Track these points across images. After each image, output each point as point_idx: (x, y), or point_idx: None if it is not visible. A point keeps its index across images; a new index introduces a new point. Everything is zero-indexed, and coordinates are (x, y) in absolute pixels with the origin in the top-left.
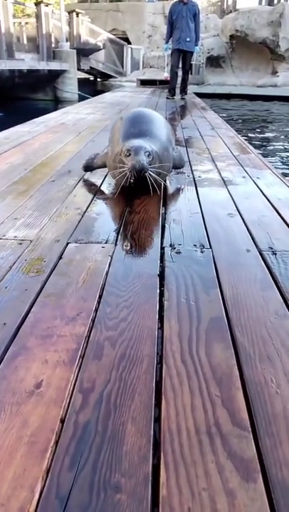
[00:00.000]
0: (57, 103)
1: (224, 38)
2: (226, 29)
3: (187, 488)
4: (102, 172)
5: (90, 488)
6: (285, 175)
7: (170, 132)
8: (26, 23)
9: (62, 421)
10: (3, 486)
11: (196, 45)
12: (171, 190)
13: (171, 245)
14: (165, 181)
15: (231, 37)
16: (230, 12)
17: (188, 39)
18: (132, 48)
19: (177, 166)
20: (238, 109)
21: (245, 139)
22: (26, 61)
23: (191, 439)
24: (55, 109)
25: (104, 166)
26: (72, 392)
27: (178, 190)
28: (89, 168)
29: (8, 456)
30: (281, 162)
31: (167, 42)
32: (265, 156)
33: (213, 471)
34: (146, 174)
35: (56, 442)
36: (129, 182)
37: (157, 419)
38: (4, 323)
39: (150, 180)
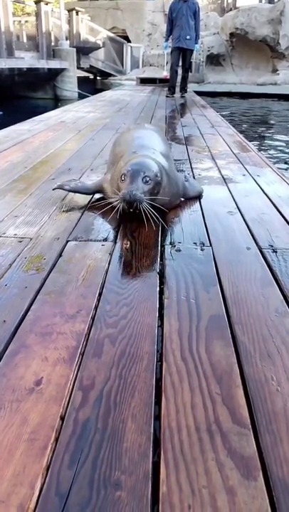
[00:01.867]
0: (56, 102)
1: (224, 36)
2: (226, 27)
3: (187, 485)
4: (103, 170)
5: (89, 485)
6: (284, 172)
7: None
8: (26, 21)
9: (62, 418)
10: (2, 483)
11: (196, 43)
12: None
13: (171, 243)
14: (164, 217)
15: (231, 35)
16: (231, 10)
17: (188, 37)
18: (131, 47)
19: (193, 196)
20: (238, 108)
21: (245, 137)
22: (26, 60)
23: (192, 437)
24: (55, 107)
25: (98, 191)
26: (72, 389)
27: None
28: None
29: (7, 454)
30: (281, 160)
31: (167, 40)
32: (265, 154)
33: (213, 469)
34: (141, 206)
35: (56, 439)
36: (120, 212)
37: (157, 417)
38: (4, 321)
39: (146, 213)
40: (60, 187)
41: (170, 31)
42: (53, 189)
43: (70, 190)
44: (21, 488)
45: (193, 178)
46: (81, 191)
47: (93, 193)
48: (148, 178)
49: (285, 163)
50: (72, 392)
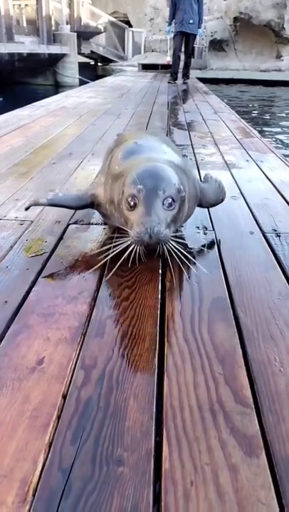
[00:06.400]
0: (57, 88)
1: (228, 21)
2: (229, 11)
3: (190, 462)
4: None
5: (92, 461)
6: (288, 158)
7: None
8: (26, 5)
9: (64, 396)
10: (5, 458)
11: (199, 28)
12: None
13: None
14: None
15: (235, 19)
16: None
17: (191, 21)
18: (133, 32)
19: (210, 204)
20: (241, 95)
21: (248, 122)
22: (26, 44)
23: (194, 416)
24: (56, 94)
25: (87, 205)
26: (74, 368)
27: None
28: (56, 204)
29: (10, 430)
30: (285, 146)
31: (170, 24)
32: (268, 140)
33: (215, 447)
34: (166, 247)
35: (58, 417)
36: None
37: (160, 396)
38: (5, 301)
39: (169, 250)
40: (35, 203)
41: (173, 15)
42: (26, 208)
43: (48, 205)
44: (24, 463)
45: (196, 162)
46: (63, 204)
47: (81, 207)
48: (171, 199)
49: None
50: (74, 371)
